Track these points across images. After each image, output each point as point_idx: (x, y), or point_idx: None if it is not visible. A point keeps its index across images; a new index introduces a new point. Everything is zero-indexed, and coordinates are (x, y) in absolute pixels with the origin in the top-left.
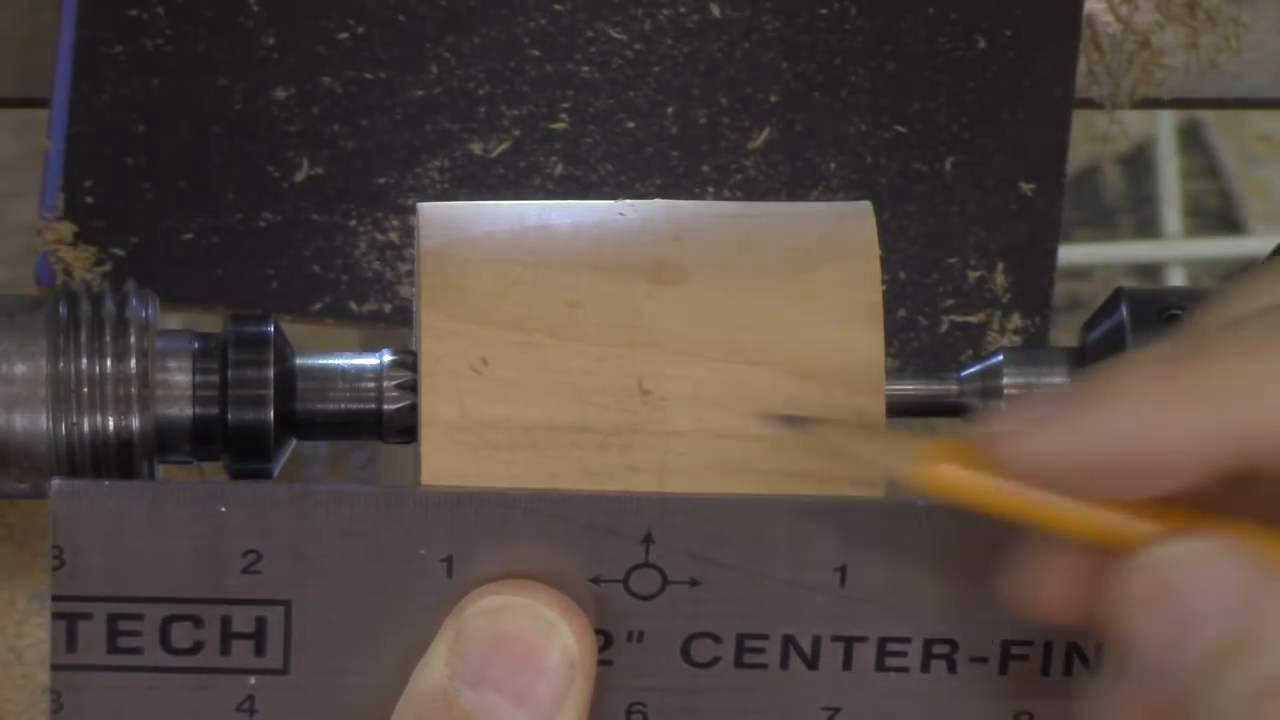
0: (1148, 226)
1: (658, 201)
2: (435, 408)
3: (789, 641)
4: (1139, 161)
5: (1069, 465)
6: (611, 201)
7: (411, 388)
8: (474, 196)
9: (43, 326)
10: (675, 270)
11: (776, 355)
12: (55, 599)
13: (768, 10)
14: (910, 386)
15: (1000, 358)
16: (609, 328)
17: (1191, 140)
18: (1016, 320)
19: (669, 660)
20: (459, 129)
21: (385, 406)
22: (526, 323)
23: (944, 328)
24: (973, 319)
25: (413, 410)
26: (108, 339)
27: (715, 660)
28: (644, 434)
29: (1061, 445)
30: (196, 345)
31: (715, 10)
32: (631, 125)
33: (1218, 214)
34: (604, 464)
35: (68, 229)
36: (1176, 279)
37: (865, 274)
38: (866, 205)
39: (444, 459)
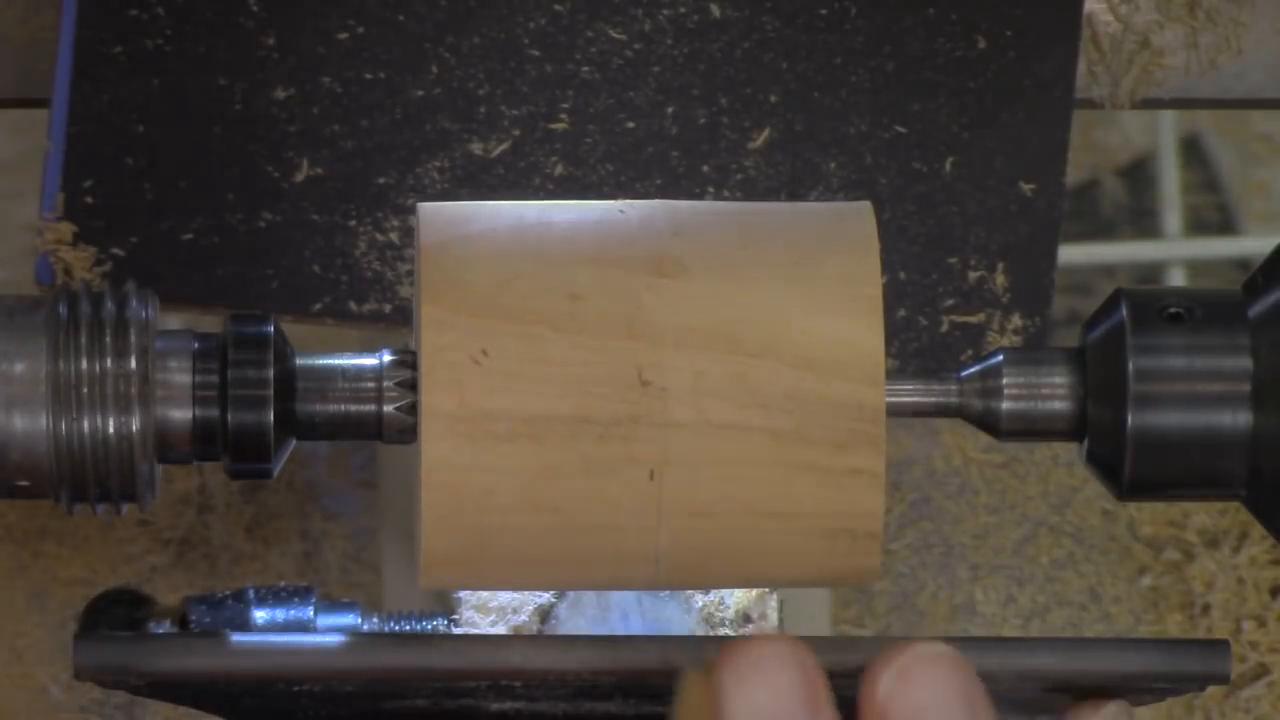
0: (1147, 238)
1: (657, 201)
2: (435, 399)
3: None
4: (1139, 174)
5: None
6: (611, 201)
7: (411, 387)
8: (474, 196)
9: (43, 326)
10: (675, 263)
11: (776, 346)
12: None
13: (768, 10)
14: (910, 387)
15: (1000, 358)
16: (609, 320)
17: (1191, 154)
18: (1016, 320)
19: None
20: (459, 129)
21: (385, 407)
22: (526, 315)
23: (944, 328)
24: (973, 319)
25: (413, 410)
26: (108, 339)
27: None
28: (644, 425)
29: None
30: (196, 345)
31: (715, 10)
32: (631, 125)
33: (1217, 227)
34: (604, 455)
35: (68, 229)
36: (1176, 279)
37: (865, 267)
38: (866, 205)
39: (444, 450)
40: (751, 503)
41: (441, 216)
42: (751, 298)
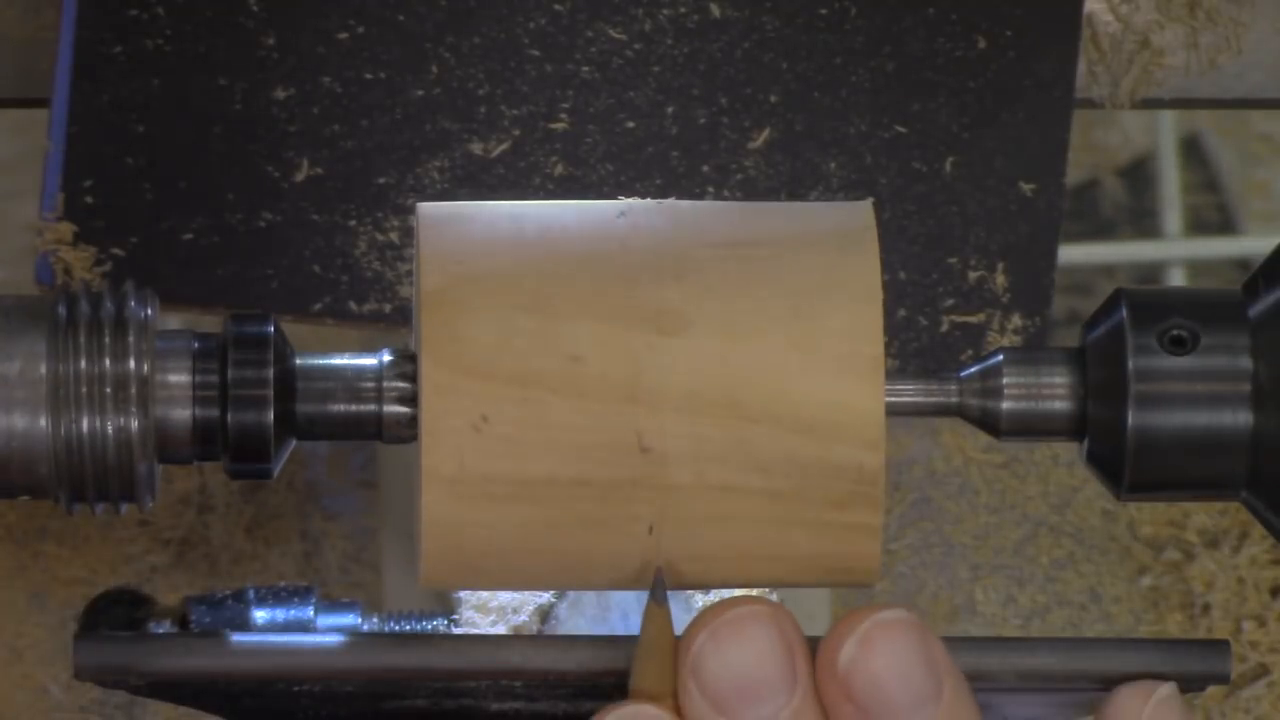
0: (1147, 238)
1: (655, 206)
2: (435, 464)
3: None
4: (1139, 174)
5: None
6: (612, 202)
7: (412, 395)
8: (474, 196)
9: (42, 327)
10: (676, 317)
11: (776, 411)
12: None
13: (768, 10)
14: (910, 387)
15: (1000, 358)
16: (610, 383)
17: (1191, 154)
18: (1016, 320)
19: None
20: (459, 129)
21: (385, 407)
22: (527, 377)
23: (944, 328)
24: (973, 319)
25: (413, 425)
26: (106, 339)
27: None
28: (643, 487)
29: None
30: (196, 345)
31: (715, 10)
32: (631, 125)
33: (1217, 227)
34: (602, 514)
35: (68, 229)
36: (1176, 279)
37: (866, 322)
38: (868, 209)
39: (444, 512)
40: (749, 551)
41: (441, 244)
42: (752, 358)
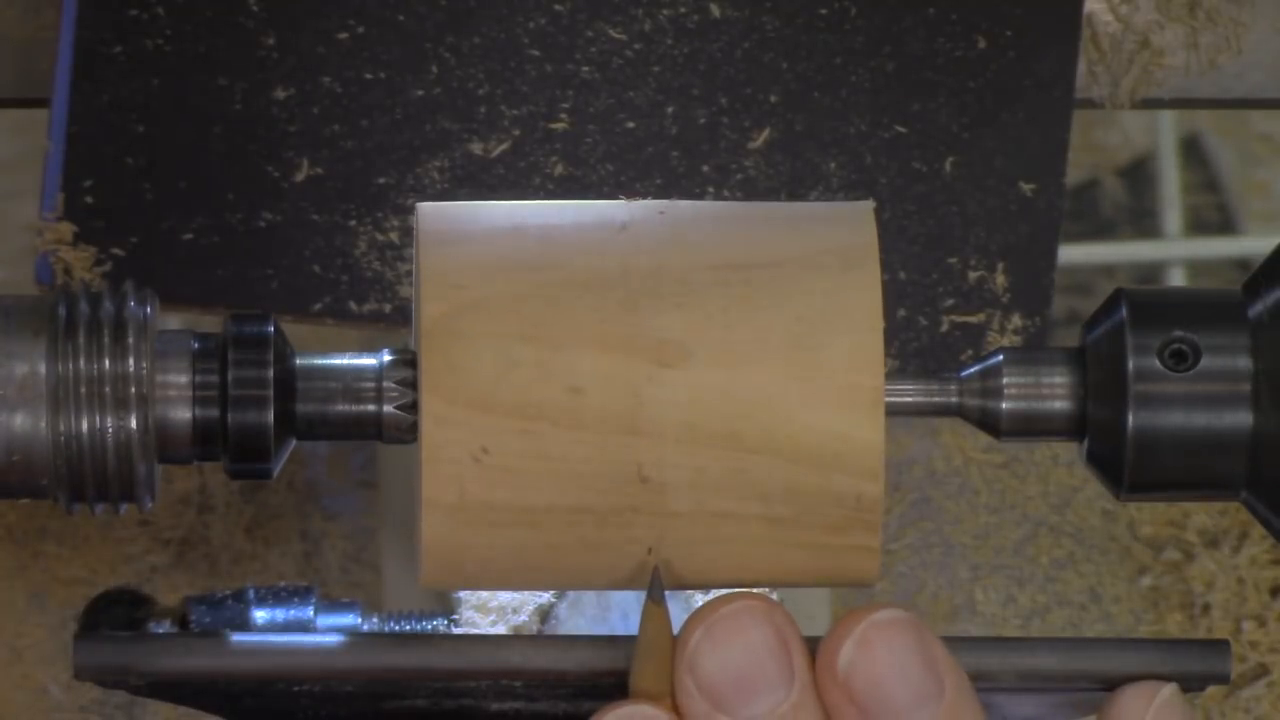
0: (1147, 238)
1: (656, 216)
2: (435, 493)
3: None
4: (1139, 174)
5: None
6: (614, 207)
7: (412, 401)
8: (474, 196)
9: (42, 327)
10: (677, 349)
11: (776, 442)
12: None
13: (768, 10)
14: (910, 387)
15: (1000, 358)
16: (610, 415)
17: (1191, 154)
18: (1016, 320)
19: None
20: (459, 129)
21: (385, 407)
22: (527, 409)
23: (944, 328)
24: (973, 319)
25: (413, 423)
26: (106, 339)
27: None
28: (643, 514)
29: None
30: (196, 345)
31: (715, 10)
32: (631, 125)
33: (1217, 227)
34: (602, 538)
35: (68, 229)
36: (1177, 279)
37: (868, 352)
38: (869, 219)
39: (443, 536)
40: (747, 568)
41: (442, 265)
42: (753, 390)
